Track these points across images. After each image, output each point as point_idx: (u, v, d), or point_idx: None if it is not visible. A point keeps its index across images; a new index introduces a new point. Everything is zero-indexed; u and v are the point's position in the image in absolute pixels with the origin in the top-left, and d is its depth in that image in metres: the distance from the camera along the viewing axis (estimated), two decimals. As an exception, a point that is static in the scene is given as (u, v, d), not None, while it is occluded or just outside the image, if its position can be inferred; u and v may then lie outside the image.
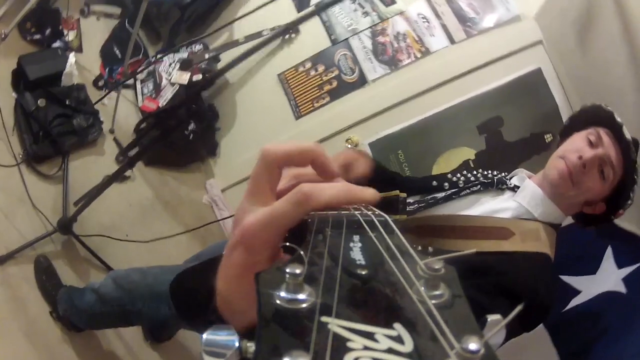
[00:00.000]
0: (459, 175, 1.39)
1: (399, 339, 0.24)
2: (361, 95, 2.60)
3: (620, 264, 1.86)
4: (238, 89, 2.80)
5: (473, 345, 0.22)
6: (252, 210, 0.41)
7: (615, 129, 1.27)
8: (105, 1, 2.73)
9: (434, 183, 1.40)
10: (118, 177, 2.02)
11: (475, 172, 1.40)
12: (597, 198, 1.30)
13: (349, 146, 2.55)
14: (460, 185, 1.35)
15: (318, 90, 2.66)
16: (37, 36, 2.46)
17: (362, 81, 2.59)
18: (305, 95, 2.68)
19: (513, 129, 2.42)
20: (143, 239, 2.34)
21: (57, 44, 2.50)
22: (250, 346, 0.30)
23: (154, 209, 2.60)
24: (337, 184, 0.43)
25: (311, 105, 2.67)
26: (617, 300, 1.78)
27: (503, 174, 1.42)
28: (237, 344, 0.31)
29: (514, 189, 1.34)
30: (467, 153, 2.48)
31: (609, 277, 1.86)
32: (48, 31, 2.47)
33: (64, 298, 1.98)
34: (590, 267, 1.93)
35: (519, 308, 0.27)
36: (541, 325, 1.89)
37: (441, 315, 0.25)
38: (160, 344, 2.29)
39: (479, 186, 1.34)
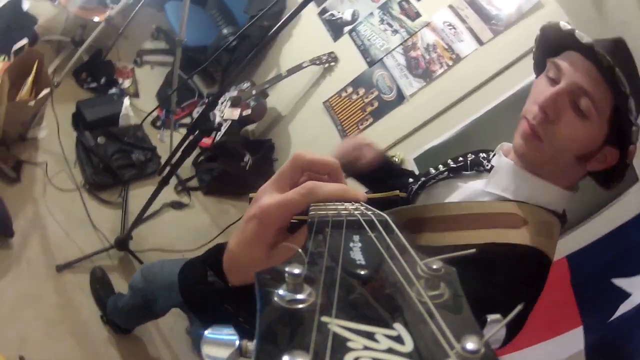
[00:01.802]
0: (439, 166, 1.19)
1: (399, 339, 0.24)
2: (401, 111, 2.64)
3: None
4: (290, 120, 2.96)
5: (473, 345, 0.22)
6: (271, 194, 0.52)
7: (571, 45, 0.93)
8: (156, 52, 3.07)
9: (410, 180, 1.25)
10: (165, 184, 2.16)
11: (459, 158, 1.16)
12: (592, 144, 0.95)
13: (394, 163, 2.56)
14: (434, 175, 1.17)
15: (361, 113, 2.74)
16: (93, 84, 2.80)
17: (400, 98, 2.63)
18: (350, 119, 2.77)
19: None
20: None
21: (112, 91, 2.82)
22: (250, 346, 0.31)
23: (211, 235, 2.72)
24: (335, 184, 0.52)
25: (356, 127, 2.74)
26: None
27: (484, 154, 1.14)
28: (237, 344, 0.31)
29: (491, 170, 1.07)
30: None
31: None
32: (103, 80, 2.81)
33: (111, 303, 2.14)
34: None
35: (519, 308, 0.26)
36: (580, 337, 1.75)
37: (441, 315, 0.25)
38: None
39: (446, 173, 1.13)
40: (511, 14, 2.40)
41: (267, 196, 0.51)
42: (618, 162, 0.97)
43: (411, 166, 2.55)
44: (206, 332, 0.33)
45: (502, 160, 1.04)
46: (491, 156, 1.11)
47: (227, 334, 0.32)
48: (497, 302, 0.64)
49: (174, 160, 2.11)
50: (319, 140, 2.87)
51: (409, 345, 0.24)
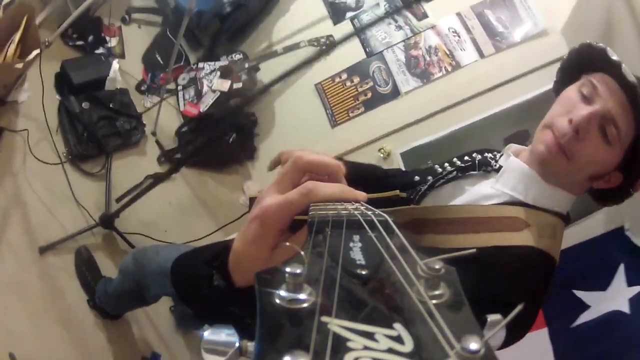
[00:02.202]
0: (445, 164, 1.20)
1: (399, 339, 0.24)
2: (394, 106, 2.71)
3: (630, 282, 1.78)
4: (277, 96, 2.91)
5: (473, 345, 0.22)
6: (272, 195, 0.54)
7: (613, 71, 0.94)
8: (145, 10, 2.85)
9: (416, 178, 1.23)
10: (163, 180, 2.11)
11: (465, 157, 1.18)
12: (607, 168, 0.99)
13: (382, 155, 2.66)
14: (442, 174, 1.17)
15: (353, 101, 2.77)
16: (80, 42, 2.57)
17: (395, 93, 2.70)
18: (341, 105, 2.79)
19: (540, 142, 2.52)
20: (180, 235, 2.43)
21: (99, 51, 2.61)
22: (250, 346, 0.31)
23: (192, 209, 2.70)
24: (335, 184, 0.54)
25: (347, 115, 2.77)
26: (621, 321, 1.73)
27: (491, 154, 1.17)
28: (237, 344, 0.32)
29: (500, 170, 1.09)
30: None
31: (618, 295, 1.78)
32: (90, 38, 2.59)
33: (100, 289, 2.09)
34: (602, 283, 1.85)
35: (519, 308, 0.26)
36: (547, 338, 1.91)
37: (441, 315, 0.25)
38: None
39: (455, 172, 1.13)
40: (516, 35, 2.53)
41: (269, 197, 0.53)
42: (619, 185, 1.03)
43: (397, 159, 2.67)
44: (206, 333, 0.33)
45: (513, 160, 1.06)
46: (498, 156, 1.14)
47: (227, 334, 0.32)
48: (499, 301, 0.63)
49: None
50: (306, 122, 2.88)
51: (409, 345, 0.24)
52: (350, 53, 2.77)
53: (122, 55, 2.70)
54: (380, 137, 2.70)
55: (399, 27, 2.69)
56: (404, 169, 2.64)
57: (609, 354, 1.69)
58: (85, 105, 2.42)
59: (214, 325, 0.33)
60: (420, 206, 1.11)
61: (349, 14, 2.77)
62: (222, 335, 0.32)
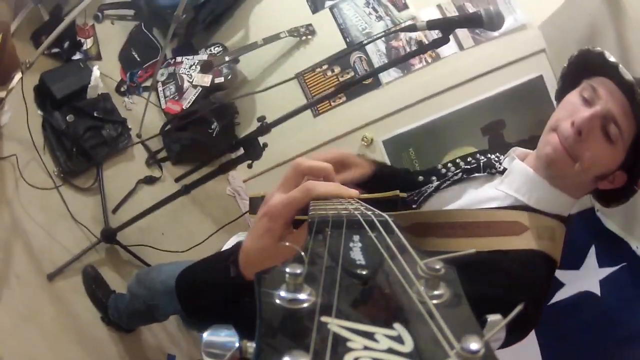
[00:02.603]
0: (449, 165, 1.25)
1: (399, 339, 0.24)
2: (376, 96, 2.75)
3: (601, 264, 1.87)
4: (256, 86, 2.88)
5: (473, 345, 0.22)
6: (278, 195, 0.63)
7: (611, 72, 0.99)
8: (118, 5, 2.70)
9: (420, 178, 1.28)
10: (175, 198, 2.15)
11: (469, 159, 1.23)
12: (611, 167, 1.02)
13: (364, 143, 2.74)
14: (449, 175, 1.21)
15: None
16: (56, 49, 2.45)
17: (376, 83, 2.73)
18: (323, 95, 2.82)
19: (514, 131, 2.66)
20: (177, 236, 2.54)
21: (77, 56, 2.50)
22: (250, 346, 0.31)
23: (183, 206, 2.74)
24: (331, 183, 0.64)
25: (328, 104, 2.81)
26: (592, 302, 1.81)
27: (494, 156, 1.21)
28: (237, 344, 0.32)
29: (504, 172, 1.12)
30: (471, 152, 2.73)
31: (590, 275, 1.87)
32: (67, 44, 2.46)
33: (112, 304, 2.16)
34: (575, 262, 1.94)
35: (519, 308, 0.26)
36: None
37: (441, 315, 0.25)
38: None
39: (460, 174, 1.17)
40: (496, 30, 2.58)
41: (275, 197, 0.63)
42: (623, 185, 1.06)
43: (379, 147, 2.77)
44: (205, 333, 0.33)
45: (518, 163, 1.11)
46: (502, 159, 1.18)
47: (227, 335, 0.32)
48: (500, 304, 0.58)
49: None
50: (287, 110, 2.88)
51: (409, 345, 0.24)
52: (330, 43, 2.76)
53: (98, 56, 2.59)
54: (362, 126, 2.76)
55: (380, 18, 2.68)
56: (386, 157, 2.76)
57: (580, 333, 1.80)
58: (69, 118, 2.36)
59: (214, 326, 0.33)
60: (421, 210, 1.16)
61: (328, 3, 2.72)
62: (222, 335, 0.32)
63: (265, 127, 1.85)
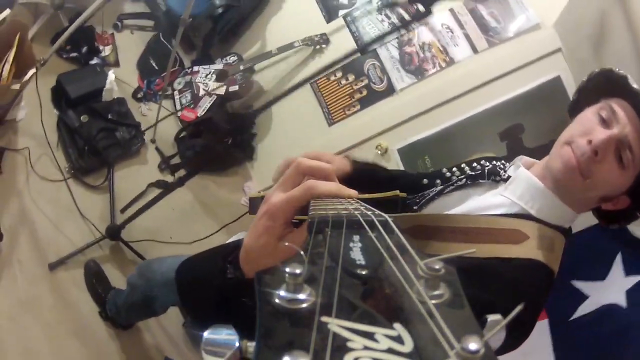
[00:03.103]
0: (454, 169, 1.23)
1: (399, 339, 0.25)
2: (390, 103, 2.72)
3: (628, 272, 1.81)
4: (272, 96, 2.91)
5: (473, 345, 0.22)
6: (278, 194, 0.63)
7: (632, 99, 0.99)
8: (137, 16, 2.83)
9: (425, 181, 1.25)
10: (171, 190, 2.14)
11: (474, 164, 1.22)
12: (618, 191, 1.03)
13: (379, 152, 2.70)
14: (453, 180, 1.20)
15: (349, 99, 2.79)
16: (74, 54, 2.57)
17: (390, 90, 2.71)
18: (337, 103, 2.81)
19: (533, 135, 2.56)
20: (185, 240, 2.49)
21: (94, 61, 2.60)
22: (250, 346, 0.31)
23: (195, 212, 2.74)
24: (331, 182, 0.63)
25: (343, 113, 2.79)
26: (616, 316, 1.75)
27: (500, 163, 1.21)
28: (237, 344, 0.31)
29: (508, 180, 1.12)
30: (477, 157, 2.63)
31: (615, 286, 1.80)
32: (84, 49, 2.58)
33: (111, 301, 2.14)
34: (600, 272, 1.87)
35: (519, 308, 0.26)
36: (547, 329, 1.92)
37: (441, 315, 0.25)
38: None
39: (465, 180, 1.17)
40: (509, 30, 2.54)
41: (275, 195, 0.63)
42: (624, 211, 1.07)
43: (394, 156, 2.71)
44: (205, 333, 0.33)
45: (524, 172, 1.10)
46: (507, 167, 1.18)
47: (227, 334, 0.32)
48: (497, 305, 0.65)
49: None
50: (303, 121, 2.90)
51: (409, 345, 0.24)
52: (344, 51, 2.77)
53: (116, 63, 2.70)
54: (376, 135, 2.72)
55: (392, 24, 2.69)
56: (401, 165, 2.70)
57: (603, 349, 1.73)
58: (83, 118, 2.43)
59: (214, 325, 0.33)
60: (422, 213, 1.15)
61: (342, 12, 2.76)
62: (222, 335, 0.32)
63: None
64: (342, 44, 2.78)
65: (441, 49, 2.64)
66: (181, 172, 2.69)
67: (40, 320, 2.06)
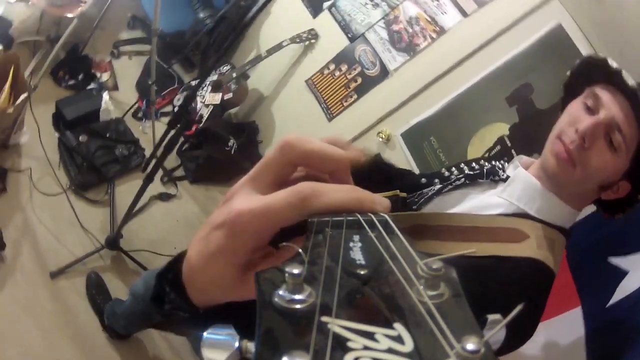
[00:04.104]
0: (453, 169, 1.20)
1: (399, 339, 0.24)
2: (386, 87, 2.58)
3: None
4: (272, 100, 2.91)
5: (473, 345, 0.22)
6: (249, 194, 0.39)
7: (613, 80, 0.97)
8: (133, 41, 2.97)
9: (423, 180, 1.21)
10: (150, 181, 2.14)
11: (473, 164, 1.19)
12: (615, 176, 1.00)
13: (382, 140, 2.53)
14: (452, 180, 1.15)
15: (345, 90, 2.69)
16: (72, 82, 2.73)
17: (384, 73, 2.58)
18: (334, 97, 2.72)
19: (544, 94, 2.26)
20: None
21: (91, 86, 2.75)
22: (250, 346, 0.31)
23: (200, 223, 2.71)
24: (343, 187, 0.38)
25: (341, 105, 2.69)
26: None
27: (499, 163, 1.18)
28: (237, 344, 0.31)
29: (507, 180, 1.10)
30: (501, 128, 2.35)
31: None
32: (81, 76, 2.73)
33: (108, 309, 2.15)
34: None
35: (519, 307, 0.26)
36: (580, 317, 1.68)
37: (441, 315, 0.25)
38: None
39: (463, 179, 1.13)
40: (495, -17, 2.33)
41: (243, 197, 0.38)
42: (627, 195, 1.03)
43: (398, 142, 2.53)
44: (205, 333, 0.32)
45: (522, 172, 1.07)
46: (506, 167, 1.16)
47: (227, 334, 0.32)
48: (497, 304, 0.54)
49: (157, 154, 2.11)
50: (303, 119, 2.83)
51: (409, 345, 0.24)
52: (334, 42, 2.71)
53: (115, 87, 2.83)
54: (377, 122, 2.58)
55: (376, 5, 2.58)
56: (407, 151, 2.50)
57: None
58: (82, 138, 2.54)
59: (214, 325, 0.32)
60: (421, 212, 1.11)
61: (326, 4, 2.71)
62: (222, 335, 0.32)
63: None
64: (331, 36, 2.71)
65: (429, 19, 2.47)
66: (184, 184, 2.70)
67: (40, 324, 2.11)
